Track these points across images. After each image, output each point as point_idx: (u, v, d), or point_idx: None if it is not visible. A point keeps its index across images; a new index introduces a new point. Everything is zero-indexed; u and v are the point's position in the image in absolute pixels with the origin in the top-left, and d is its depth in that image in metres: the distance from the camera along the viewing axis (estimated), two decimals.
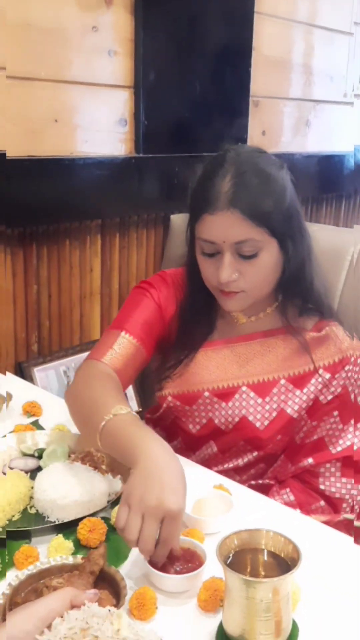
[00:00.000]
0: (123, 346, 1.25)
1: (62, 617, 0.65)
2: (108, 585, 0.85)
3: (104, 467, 1.18)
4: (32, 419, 1.42)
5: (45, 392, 1.64)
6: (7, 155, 1.69)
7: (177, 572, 0.91)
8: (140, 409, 2.14)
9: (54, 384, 1.95)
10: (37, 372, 1.91)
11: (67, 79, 1.81)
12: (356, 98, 3.00)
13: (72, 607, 0.67)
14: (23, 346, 1.90)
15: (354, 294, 1.66)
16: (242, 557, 0.83)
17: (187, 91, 2.17)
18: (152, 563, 0.92)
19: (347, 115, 3.00)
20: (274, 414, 1.27)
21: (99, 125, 1.93)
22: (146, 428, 1.03)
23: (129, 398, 2.21)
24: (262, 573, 0.81)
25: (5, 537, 0.98)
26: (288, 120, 2.70)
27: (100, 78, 1.90)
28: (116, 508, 1.04)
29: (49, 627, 0.65)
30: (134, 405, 2.20)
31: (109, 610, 0.66)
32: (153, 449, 0.95)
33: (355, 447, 1.27)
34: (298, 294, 1.27)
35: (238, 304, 1.23)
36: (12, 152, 1.72)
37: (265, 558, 0.83)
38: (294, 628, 0.82)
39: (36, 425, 1.38)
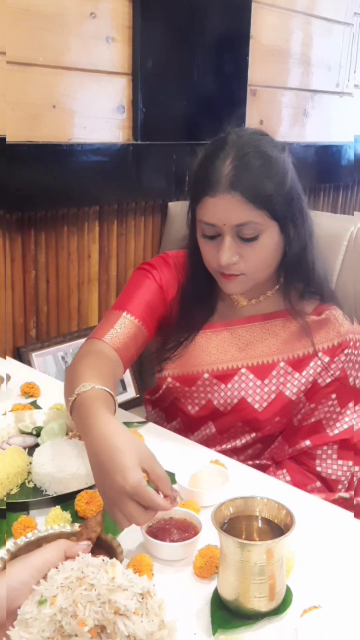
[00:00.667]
0: (124, 326, 1.26)
1: (57, 568, 0.67)
2: (105, 552, 0.86)
3: None
4: (30, 400, 1.43)
5: (43, 375, 1.65)
6: (6, 140, 1.70)
7: (173, 542, 0.92)
8: (138, 395, 2.15)
9: (52, 369, 1.96)
10: (35, 357, 1.92)
11: (65, 65, 1.82)
12: (356, 88, 3.01)
13: (66, 558, 0.69)
14: (21, 331, 1.91)
15: (351, 278, 1.68)
16: (237, 524, 0.84)
17: (185, 79, 2.18)
18: (150, 532, 0.93)
19: (345, 105, 3.00)
20: (273, 396, 1.27)
21: (97, 112, 1.94)
22: (99, 403, 0.97)
23: (127, 384, 2.23)
24: (257, 539, 0.83)
25: (5, 507, 1.00)
26: (286, 109, 2.71)
27: (99, 64, 1.91)
28: None
29: (44, 577, 0.66)
30: (131, 391, 2.21)
31: (103, 560, 0.67)
32: (99, 426, 0.91)
33: (355, 429, 1.28)
34: (299, 277, 1.28)
35: (238, 286, 1.24)
36: (11, 138, 1.72)
37: (260, 525, 0.84)
38: (288, 593, 0.84)
39: (34, 405, 1.39)
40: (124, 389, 2.23)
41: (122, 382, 2.22)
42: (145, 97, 2.05)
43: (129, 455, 0.86)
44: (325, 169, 2.92)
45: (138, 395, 2.15)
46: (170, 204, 2.19)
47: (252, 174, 1.15)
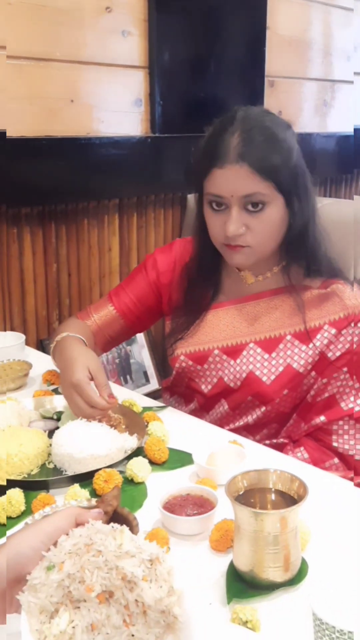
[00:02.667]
0: (102, 313, 1.44)
1: (67, 534, 0.68)
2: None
3: (122, 426, 1.21)
4: (52, 387, 1.45)
5: None
6: (25, 135, 1.73)
7: (189, 516, 0.93)
8: (160, 387, 2.16)
9: None
10: None
11: (82, 59, 1.85)
12: (356, 76, 2.98)
13: (77, 525, 0.70)
14: (44, 324, 1.94)
15: None
16: (251, 497, 0.85)
17: (202, 71, 2.19)
18: (166, 508, 0.94)
19: (355, 94, 2.98)
20: (281, 368, 1.28)
21: (115, 106, 1.96)
22: (68, 341, 1.30)
23: (150, 376, 2.24)
24: (270, 510, 0.83)
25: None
26: (305, 100, 2.70)
27: (115, 58, 1.93)
28: (132, 461, 1.07)
29: (54, 544, 0.67)
30: (154, 382, 2.23)
31: (112, 527, 0.68)
32: (64, 351, 1.26)
33: None
34: (303, 254, 1.29)
35: (243, 258, 1.26)
36: (30, 133, 1.76)
37: (273, 497, 0.84)
38: (304, 565, 0.84)
39: (56, 392, 1.41)
40: (147, 380, 2.25)
41: (145, 374, 2.24)
42: (163, 90, 2.07)
43: (79, 361, 1.21)
44: (347, 159, 2.90)
45: (160, 387, 2.16)
46: (189, 196, 2.20)
47: (260, 146, 1.18)
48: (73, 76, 1.84)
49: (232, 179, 1.18)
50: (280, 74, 2.53)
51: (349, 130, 2.90)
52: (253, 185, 1.18)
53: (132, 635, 0.63)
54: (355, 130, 2.94)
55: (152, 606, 0.63)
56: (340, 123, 2.88)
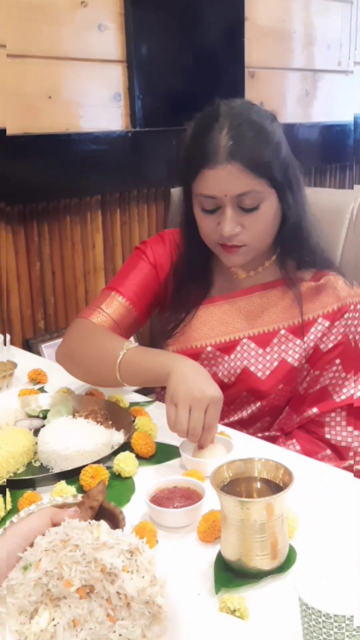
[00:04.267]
0: (113, 307, 1.32)
1: (43, 534, 0.67)
2: (108, 521, 0.86)
3: (109, 422, 1.20)
4: (38, 386, 1.44)
5: (49, 362, 1.65)
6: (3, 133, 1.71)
7: (176, 509, 0.92)
8: None
9: None
10: (45, 348, 1.93)
11: (59, 55, 1.83)
12: (357, 65, 2.98)
13: (54, 525, 0.69)
14: (30, 323, 1.93)
15: (354, 250, 1.66)
16: (237, 486, 0.84)
17: (181, 64, 2.17)
18: (154, 501, 0.93)
19: (347, 84, 2.98)
20: (275, 363, 1.27)
21: (94, 101, 1.95)
22: (162, 350, 1.24)
23: None
24: (256, 498, 0.82)
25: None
26: (286, 90, 2.69)
27: (93, 53, 1.92)
28: (119, 456, 1.06)
29: (31, 545, 0.67)
30: None
31: (89, 523, 0.68)
32: (181, 359, 1.12)
33: (355, 396, 1.27)
34: (295, 246, 1.28)
35: (241, 258, 1.24)
36: (9, 130, 1.74)
37: (259, 485, 0.84)
38: (292, 552, 0.83)
39: (41, 391, 1.40)
40: None
41: None
42: (142, 84, 2.05)
43: (208, 376, 1.09)
44: (330, 149, 2.90)
45: None
46: (172, 190, 2.18)
47: (250, 143, 1.15)
48: (50, 72, 1.83)
49: (224, 179, 1.15)
50: (261, 64, 2.52)
51: (331, 119, 2.90)
52: (247, 183, 1.15)
53: (116, 631, 0.62)
54: (356, 119, 2.94)
55: (135, 597, 0.62)
56: (323, 113, 2.88)
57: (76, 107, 1.90)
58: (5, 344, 1.55)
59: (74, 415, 1.22)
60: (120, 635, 0.64)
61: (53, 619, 0.63)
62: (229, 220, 1.18)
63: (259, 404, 1.29)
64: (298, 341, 1.27)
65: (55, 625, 0.62)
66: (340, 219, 1.75)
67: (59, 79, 1.85)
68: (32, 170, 1.80)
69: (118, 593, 0.63)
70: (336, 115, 2.94)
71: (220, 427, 1.21)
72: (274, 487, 0.82)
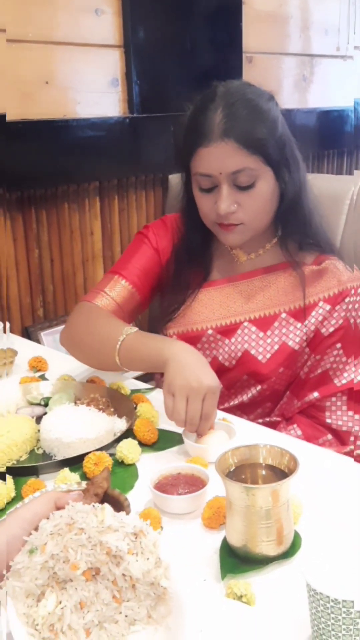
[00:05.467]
0: (116, 290, 1.33)
1: (47, 518, 0.67)
2: (113, 508, 0.87)
3: (111, 409, 1.20)
4: (39, 374, 1.43)
5: (50, 350, 1.65)
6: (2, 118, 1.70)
7: (180, 495, 0.93)
8: None
9: (61, 348, 1.96)
10: (44, 336, 1.93)
11: (55, 39, 1.81)
12: (356, 50, 2.96)
13: (57, 509, 0.69)
14: (29, 311, 1.92)
15: (354, 235, 1.66)
16: (242, 472, 0.84)
17: (178, 49, 2.15)
18: (158, 488, 0.93)
19: (347, 69, 2.96)
20: (276, 347, 1.28)
21: (91, 86, 1.93)
22: (162, 336, 1.22)
23: None
24: (261, 484, 0.83)
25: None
26: (284, 75, 2.67)
27: (89, 38, 1.90)
28: (121, 443, 1.06)
29: (36, 529, 0.67)
30: None
31: (93, 506, 0.68)
32: (178, 346, 1.11)
33: (356, 380, 1.28)
34: (296, 227, 1.28)
35: (238, 237, 1.25)
36: (7, 116, 1.72)
37: (264, 472, 0.84)
38: (297, 538, 0.83)
39: (42, 379, 1.40)
40: None
41: None
42: (139, 70, 2.03)
43: (205, 363, 1.08)
44: (328, 135, 2.88)
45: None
46: (170, 176, 2.17)
47: (244, 120, 1.16)
48: (47, 57, 1.81)
49: (218, 157, 1.17)
50: (258, 49, 2.50)
51: (329, 105, 2.88)
52: (241, 160, 1.16)
53: (122, 612, 0.63)
54: (356, 104, 2.92)
55: (140, 579, 0.63)
56: (320, 98, 2.86)
57: (73, 92, 1.88)
58: (5, 332, 1.55)
59: (75, 403, 1.22)
60: (126, 616, 0.64)
61: (60, 602, 0.63)
62: (224, 198, 1.19)
63: (259, 387, 1.29)
64: (299, 325, 1.28)
65: (62, 608, 0.62)
66: (339, 205, 1.74)
67: (55, 64, 1.83)
68: (30, 156, 1.79)
69: (123, 575, 0.64)
70: (334, 100, 2.92)
71: (222, 414, 1.21)
72: (279, 473, 0.83)
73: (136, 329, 1.18)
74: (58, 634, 0.62)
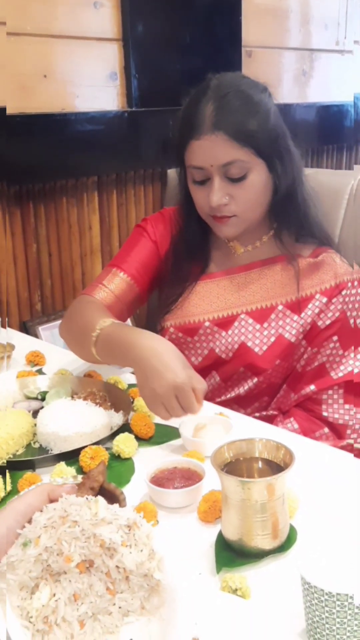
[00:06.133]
0: (115, 283, 1.34)
1: (41, 511, 0.67)
2: (108, 502, 0.87)
3: (108, 403, 1.20)
4: (36, 368, 1.43)
5: (47, 344, 1.66)
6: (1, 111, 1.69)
7: (176, 489, 0.93)
8: None
9: (59, 342, 1.96)
10: (42, 330, 1.93)
11: (53, 33, 1.80)
12: (356, 44, 2.95)
13: (51, 501, 0.69)
14: (27, 306, 1.92)
15: (353, 230, 1.66)
16: (238, 466, 0.84)
17: (178, 43, 2.14)
18: (154, 481, 0.93)
19: (346, 63, 2.94)
20: (272, 339, 1.28)
21: (90, 80, 1.92)
22: (132, 327, 1.16)
23: None
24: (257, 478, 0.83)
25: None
26: (283, 70, 2.66)
27: (88, 31, 1.89)
28: (118, 437, 1.06)
29: (29, 521, 0.67)
30: None
31: (87, 498, 0.68)
32: (143, 341, 1.06)
33: (355, 372, 1.28)
34: (291, 219, 1.28)
35: (232, 229, 1.25)
36: (7, 109, 1.72)
37: (260, 465, 0.84)
38: (292, 532, 0.83)
39: (40, 373, 1.40)
40: None
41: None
42: (138, 63, 2.03)
43: (174, 358, 1.02)
44: (327, 130, 2.87)
45: None
46: (169, 171, 2.16)
47: (234, 113, 1.17)
48: (45, 50, 1.80)
49: (209, 149, 1.17)
50: (258, 43, 2.49)
51: (329, 100, 2.87)
52: (231, 153, 1.17)
53: (116, 604, 0.63)
54: (356, 99, 2.91)
55: (134, 571, 0.63)
56: (320, 93, 2.85)
57: (71, 86, 1.88)
58: (3, 326, 1.55)
59: (72, 397, 1.22)
60: (120, 607, 0.65)
61: (54, 594, 0.63)
62: (216, 190, 1.20)
63: (255, 380, 1.30)
64: (295, 317, 1.28)
65: (56, 600, 0.63)
66: (338, 200, 1.74)
67: (54, 58, 1.82)
68: (28, 150, 1.78)
69: (117, 567, 0.64)
70: (333, 95, 2.91)
71: (219, 408, 1.21)
72: (275, 467, 0.83)
73: (112, 321, 1.15)
74: (52, 626, 0.63)
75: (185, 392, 1.00)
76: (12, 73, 1.73)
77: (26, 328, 1.89)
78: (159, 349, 1.03)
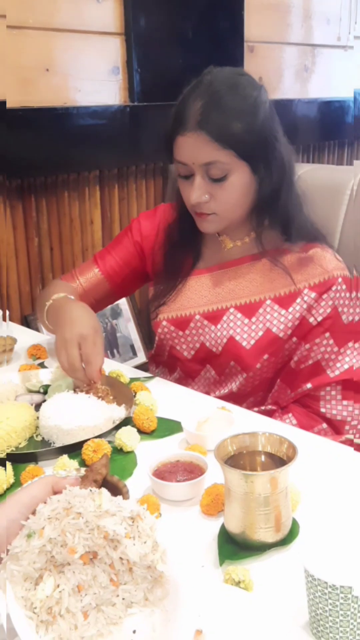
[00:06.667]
0: (87, 276, 1.43)
1: (45, 502, 0.67)
2: (111, 494, 0.87)
3: (110, 397, 1.20)
4: (38, 362, 1.43)
5: (49, 338, 1.65)
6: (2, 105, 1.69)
7: (179, 482, 0.93)
8: (147, 361, 2.15)
9: None
10: None
11: (56, 26, 1.80)
12: (357, 40, 2.94)
13: (55, 493, 0.69)
14: (28, 299, 1.92)
15: (354, 226, 1.66)
16: (241, 460, 0.84)
17: (180, 37, 2.14)
18: (157, 475, 0.93)
19: (347, 59, 2.94)
20: (260, 333, 1.28)
21: (92, 74, 1.92)
22: (73, 300, 1.30)
23: (137, 349, 2.23)
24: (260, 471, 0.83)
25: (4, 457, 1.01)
26: (285, 65, 2.66)
27: (90, 25, 1.89)
28: (120, 430, 1.07)
29: (33, 513, 0.67)
30: (142, 356, 2.22)
31: (91, 490, 0.68)
32: (66, 309, 1.23)
33: (355, 367, 1.28)
34: (277, 220, 1.27)
35: (211, 225, 1.26)
36: (8, 103, 1.71)
37: (263, 459, 0.84)
38: (295, 525, 0.84)
39: (41, 366, 1.40)
40: (134, 354, 2.24)
41: (132, 347, 2.23)
42: (140, 58, 2.02)
43: (88, 319, 1.20)
44: (329, 126, 2.87)
45: (147, 361, 2.15)
46: (171, 165, 2.16)
47: (219, 113, 1.16)
48: (47, 44, 1.80)
49: (191, 147, 1.18)
50: (260, 39, 2.48)
51: (330, 95, 2.87)
52: (211, 154, 1.17)
53: (119, 595, 0.63)
54: (356, 94, 2.91)
55: (137, 562, 0.63)
56: (321, 88, 2.85)
57: (74, 80, 1.87)
58: (5, 320, 1.55)
59: (74, 391, 1.22)
60: (123, 599, 0.65)
61: (58, 585, 0.64)
62: (196, 188, 1.21)
63: (245, 375, 1.30)
64: (283, 311, 1.28)
65: (60, 591, 0.63)
66: (339, 195, 1.74)
67: (56, 51, 1.82)
68: (30, 144, 1.78)
69: (121, 559, 0.64)
70: (335, 91, 2.91)
71: (221, 402, 1.21)
72: (278, 461, 0.83)
73: (64, 294, 1.30)
74: (56, 617, 0.63)
75: (87, 341, 1.15)
76: (14, 66, 1.73)
77: (27, 322, 1.89)
78: (78, 311, 1.21)
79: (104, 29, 1.93)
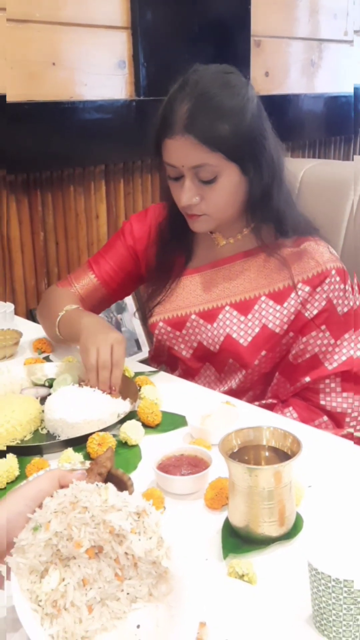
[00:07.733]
0: (83, 283, 1.43)
1: (51, 496, 0.67)
2: (116, 487, 0.87)
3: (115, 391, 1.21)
4: (43, 355, 1.44)
5: None
6: (6, 99, 1.69)
7: (183, 476, 0.93)
8: None
9: None
10: None
11: (62, 20, 1.80)
12: (356, 35, 2.93)
13: (61, 487, 0.69)
14: (33, 293, 1.92)
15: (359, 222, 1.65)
16: (245, 454, 0.85)
17: (186, 32, 2.14)
18: (161, 468, 0.94)
19: (353, 54, 2.93)
20: (257, 329, 1.28)
21: (98, 68, 1.92)
22: (86, 312, 1.33)
23: (142, 344, 2.24)
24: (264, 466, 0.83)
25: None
26: (292, 60, 2.65)
27: (97, 19, 1.88)
28: (125, 424, 1.07)
29: (39, 506, 0.67)
30: (146, 350, 2.22)
31: (97, 485, 0.68)
32: (86, 320, 1.25)
33: (355, 357, 1.28)
34: (269, 217, 1.27)
35: (202, 225, 1.26)
36: (11, 97, 1.71)
37: (267, 453, 0.84)
38: (299, 519, 0.84)
39: (46, 360, 1.40)
40: (139, 348, 2.24)
41: (137, 342, 2.23)
42: (146, 52, 2.02)
43: (114, 328, 1.24)
44: (335, 121, 2.86)
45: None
46: None
47: (206, 116, 1.14)
48: (54, 38, 1.80)
49: (180, 150, 1.17)
50: (266, 33, 2.48)
51: (336, 90, 2.86)
52: (200, 157, 1.16)
53: (124, 590, 0.64)
54: (356, 89, 2.90)
55: (142, 558, 0.64)
56: (328, 83, 2.84)
57: (80, 74, 1.87)
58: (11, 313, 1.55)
59: (79, 384, 1.23)
60: (127, 593, 0.65)
61: (63, 579, 0.64)
62: (186, 190, 1.20)
63: (244, 372, 1.30)
64: (279, 307, 1.28)
65: (65, 585, 0.63)
66: (345, 191, 1.74)
67: (62, 45, 1.82)
68: (36, 138, 1.78)
69: (126, 554, 0.64)
70: (342, 86, 2.90)
71: (226, 397, 1.22)
72: (282, 455, 0.83)
73: (76, 306, 1.33)
74: (61, 610, 0.63)
75: (121, 346, 1.17)
76: (20, 60, 1.73)
77: (33, 316, 1.90)
78: (101, 321, 1.26)
79: (110, 23, 1.92)
